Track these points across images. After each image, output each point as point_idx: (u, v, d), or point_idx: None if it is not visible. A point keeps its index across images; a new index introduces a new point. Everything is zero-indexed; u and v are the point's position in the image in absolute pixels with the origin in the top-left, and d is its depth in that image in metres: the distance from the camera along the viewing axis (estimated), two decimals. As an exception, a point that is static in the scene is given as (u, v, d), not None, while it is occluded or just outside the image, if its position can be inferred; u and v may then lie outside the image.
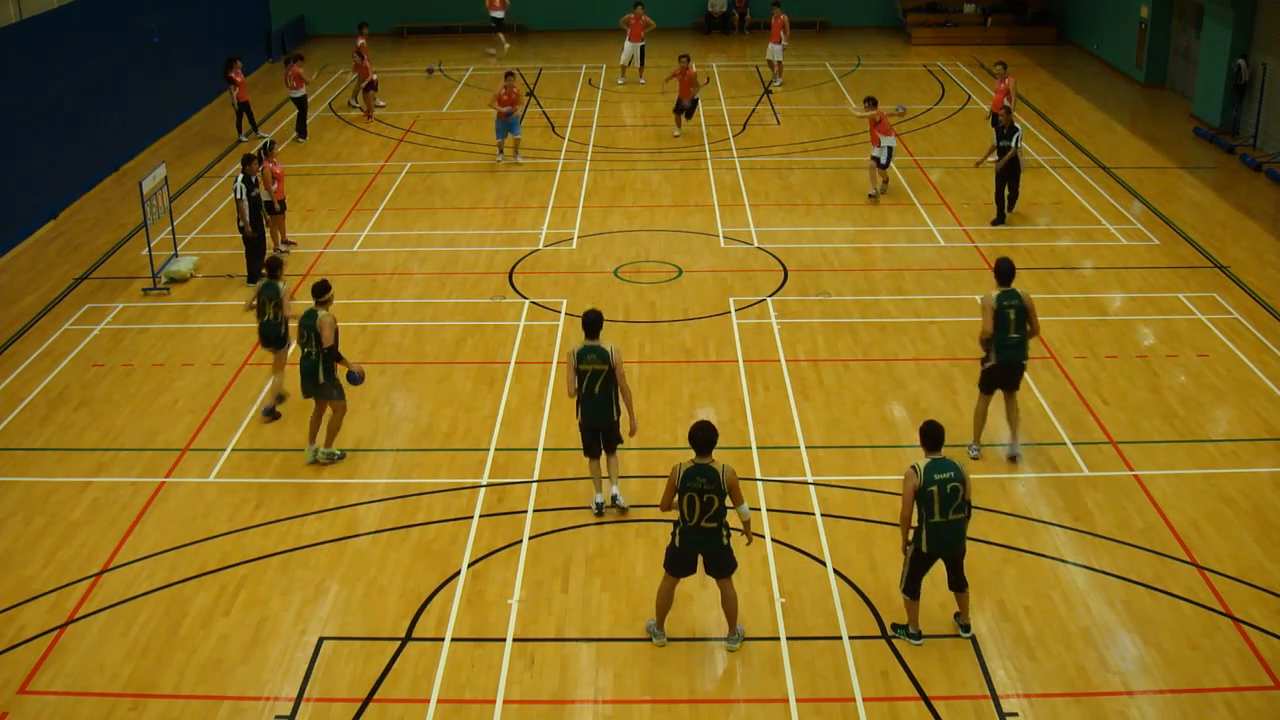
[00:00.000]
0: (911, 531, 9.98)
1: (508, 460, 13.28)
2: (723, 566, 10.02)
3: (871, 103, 21.34)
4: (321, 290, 13.04)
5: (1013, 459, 12.98)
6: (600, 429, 11.92)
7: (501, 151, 23.93)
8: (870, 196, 21.32)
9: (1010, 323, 12.52)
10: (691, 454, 9.81)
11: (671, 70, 25.75)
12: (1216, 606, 10.70)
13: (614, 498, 12.22)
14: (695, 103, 25.27)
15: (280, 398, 14.39)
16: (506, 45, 34.01)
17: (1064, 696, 9.70)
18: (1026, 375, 14.86)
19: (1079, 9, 34.32)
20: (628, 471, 12.96)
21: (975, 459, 12.94)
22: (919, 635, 10.25)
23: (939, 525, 9.81)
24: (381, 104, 28.31)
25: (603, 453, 12.09)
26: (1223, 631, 10.40)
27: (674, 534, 9.97)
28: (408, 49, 35.50)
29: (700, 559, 10.00)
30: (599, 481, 12.17)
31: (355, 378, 13.04)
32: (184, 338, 16.45)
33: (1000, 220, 20.05)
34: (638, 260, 18.87)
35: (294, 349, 13.83)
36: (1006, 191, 20.03)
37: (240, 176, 17.61)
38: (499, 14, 33.67)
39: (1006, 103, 22.65)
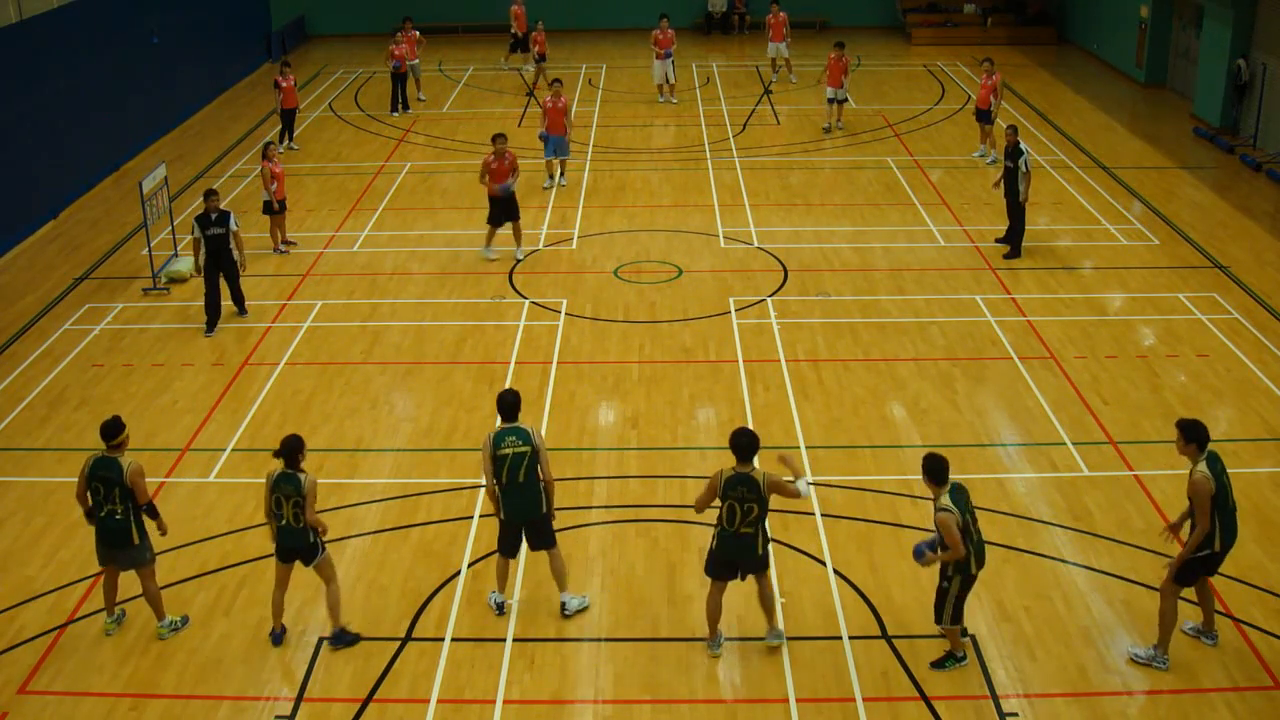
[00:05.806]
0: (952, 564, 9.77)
1: (508, 460, 13.27)
2: (757, 568, 9.99)
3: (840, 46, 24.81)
4: (114, 432, 10.25)
5: (1213, 645, 10.28)
6: (526, 523, 10.42)
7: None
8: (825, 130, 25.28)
9: (1228, 490, 9.69)
10: (733, 460, 9.76)
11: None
12: (1216, 606, 10.67)
13: (563, 605, 10.69)
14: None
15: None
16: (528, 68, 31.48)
17: (1064, 696, 9.70)
18: (1026, 375, 14.92)
19: (1079, 9, 34.31)
20: (626, 471, 12.97)
21: (1164, 669, 9.96)
22: (964, 657, 10.12)
23: (978, 543, 9.78)
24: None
25: (518, 554, 10.68)
26: (1223, 631, 10.39)
27: (713, 538, 9.98)
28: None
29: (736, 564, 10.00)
30: (503, 580, 10.74)
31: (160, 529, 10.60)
32: (184, 338, 16.44)
33: (1014, 253, 18.53)
34: (638, 260, 18.86)
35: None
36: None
37: (200, 214, 16.09)
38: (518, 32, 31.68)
39: (993, 101, 22.63)
